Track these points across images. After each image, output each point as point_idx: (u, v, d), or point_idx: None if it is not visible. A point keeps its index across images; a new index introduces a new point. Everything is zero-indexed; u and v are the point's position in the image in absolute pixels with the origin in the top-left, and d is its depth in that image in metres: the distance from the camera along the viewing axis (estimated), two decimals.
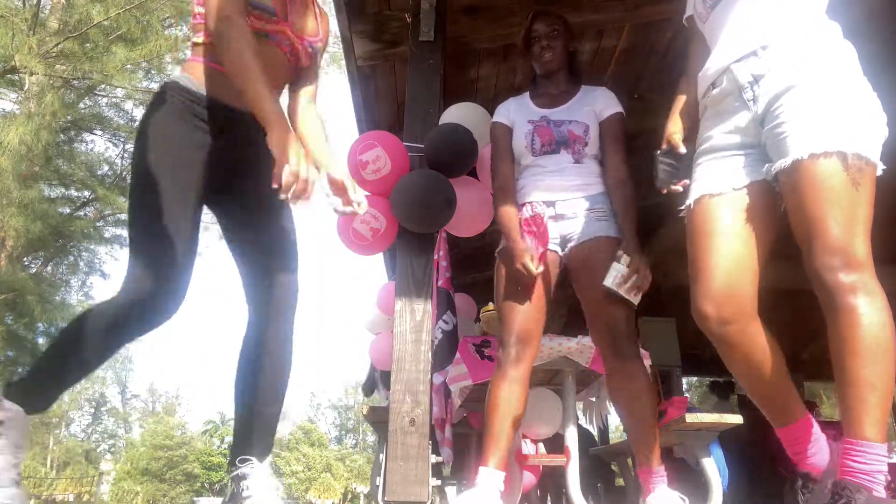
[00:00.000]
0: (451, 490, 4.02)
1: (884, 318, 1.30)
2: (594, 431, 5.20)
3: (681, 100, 1.79)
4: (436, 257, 3.31)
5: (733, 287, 1.50)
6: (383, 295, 4.30)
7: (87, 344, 1.52)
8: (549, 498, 4.79)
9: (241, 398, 1.70)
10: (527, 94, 2.36)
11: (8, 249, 10.27)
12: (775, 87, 1.47)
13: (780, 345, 1.55)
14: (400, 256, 2.73)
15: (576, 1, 3.26)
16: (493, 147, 2.33)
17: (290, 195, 1.42)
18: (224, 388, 41.46)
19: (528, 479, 3.37)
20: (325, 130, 1.93)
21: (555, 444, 3.29)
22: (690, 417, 2.85)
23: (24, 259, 11.25)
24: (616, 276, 2.01)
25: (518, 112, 2.30)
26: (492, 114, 2.40)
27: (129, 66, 9.78)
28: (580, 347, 2.81)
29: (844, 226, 1.34)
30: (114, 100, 11.54)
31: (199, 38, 1.67)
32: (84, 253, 12.42)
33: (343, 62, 4.08)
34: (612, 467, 5.41)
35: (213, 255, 10.93)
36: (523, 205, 2.20)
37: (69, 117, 10.22)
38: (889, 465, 1.31)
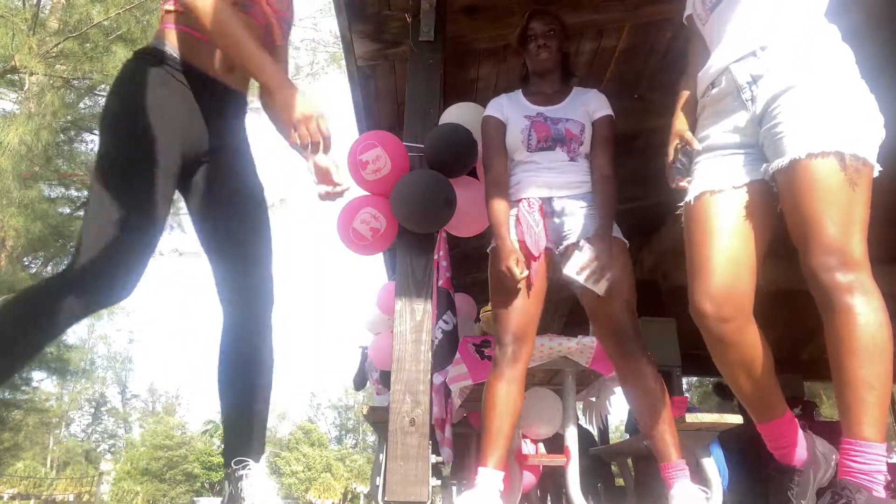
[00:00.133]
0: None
1: (880, 318, 1.31)
2: (594, 431, 5.20)
3: (683, 96, 1.79)
4: (436, 257, 3.31)
5: (732, 285, 1.50)
6: (383, 295, 4.31)
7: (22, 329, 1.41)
8: (549, 498, 4.80)
9: (227, 400, 1.66)
10: (519, 92, 2.37)
11: (8, 249, 10.27)
12: (774, 88, 1.48)
13: (770, 343, 1.56)
14: (400, 256, 2.73)
15: (576, 1, 3.27)
16: (485, 141, 2.33)
17: (310, 151, 1.40)
18: None
19: (528, 479, 3.38)
20: None
21: (555, 444, 3.29)
22: (690, 417, 2.86)
23: (24, 259, 11.25)
24: (576, 263, 2.01)
25: (512, 108, 2.30)
26: None
27: None
28: (580, 347, 2.81)
29: (841, 225, 1.34)
30: None
31: (170, 6, 1.65)
32: None
33: (343, 62, 4.08)
34: (612, 467, 5.42)
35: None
36: (518, 201, 2.20)
37: (69, 117, 10.21)
38: (889, 464, 1.31)
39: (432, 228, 2.77)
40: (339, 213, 2.79)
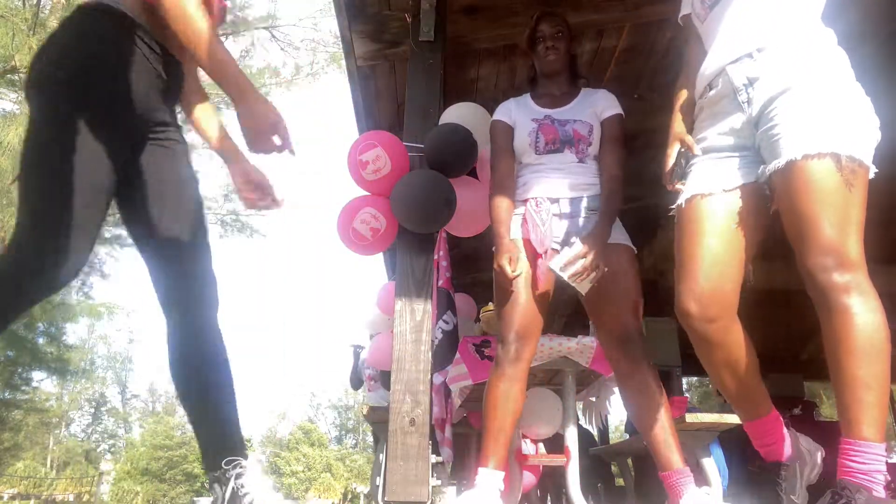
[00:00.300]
0: (451, 490, 4.03)
1: (877, 319, 1.31)
2: (594, 431, 5.20)
3: (681, 97, 1.80)
4: (436, 257, 3.31)
5: (718, 287, 1.52)
6: (383, 295, 4.31)
7: None
8: (549, 498, 4.81)
9: (189, 405, 1.58)
10: (527, 95, 2.37)
11: None
12: (770, 90, 1.48)
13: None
14: (400, 256, 2.73)
15: (576, 1, 3.27)
16: (493, 145, 2.33)
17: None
18: None
19: (528, 479, 3.38)
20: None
21: (555, 444, 3.29)
22: (690, 417, 2.86)
23: None
24: (561, 258, 1.96)
25: (519, 111, 2.30)
26: (492, 114, 2.40)
27: None
28: (580, 347, 2.81)
29: (837, 226, 1.35)
30: None
31: None
32: None
33: (343, 62, 4.08)
34: (612, 467, 5.42)
35: (213, 254, 10.92)
36: (525, 200, 2.19)
37: None
38: (889, 464, 1.32)
39: (432, 228, 2.77)
40: (339, 213, 2.79)
